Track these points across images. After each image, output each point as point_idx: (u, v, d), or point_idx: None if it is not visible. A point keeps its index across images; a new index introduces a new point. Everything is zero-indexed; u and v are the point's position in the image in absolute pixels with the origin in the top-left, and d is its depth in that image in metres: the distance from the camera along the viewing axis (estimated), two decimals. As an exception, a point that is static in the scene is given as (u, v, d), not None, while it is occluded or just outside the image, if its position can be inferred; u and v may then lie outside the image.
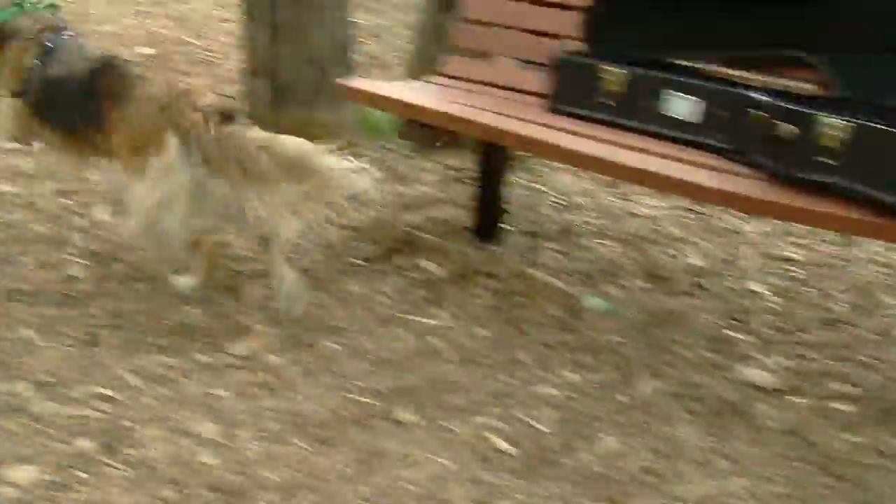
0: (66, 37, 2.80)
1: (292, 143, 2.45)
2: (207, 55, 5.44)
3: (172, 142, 2.45)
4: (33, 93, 2.76)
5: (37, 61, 2.74)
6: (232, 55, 5.35)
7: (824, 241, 3.58)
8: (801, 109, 2.28)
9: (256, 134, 2.49)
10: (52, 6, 2.91)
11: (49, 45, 2.75)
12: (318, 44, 3.53)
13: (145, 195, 2.51)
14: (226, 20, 6.46)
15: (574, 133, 2.66)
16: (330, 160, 2.43)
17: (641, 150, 2.52)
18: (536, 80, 3.01)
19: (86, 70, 2.68)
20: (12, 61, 2.80)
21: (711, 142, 2.56)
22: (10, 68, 2.81)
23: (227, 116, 2.49)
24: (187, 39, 5.75)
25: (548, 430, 2.27)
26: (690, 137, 2.60)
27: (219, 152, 2.43)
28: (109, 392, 2.26)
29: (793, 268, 3.37)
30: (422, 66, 3.92)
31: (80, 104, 2.65)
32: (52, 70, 2.72)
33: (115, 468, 1.99)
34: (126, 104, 2.55)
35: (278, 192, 2.43)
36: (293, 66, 3.54)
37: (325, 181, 2.44)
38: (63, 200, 3.35)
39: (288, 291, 2.63)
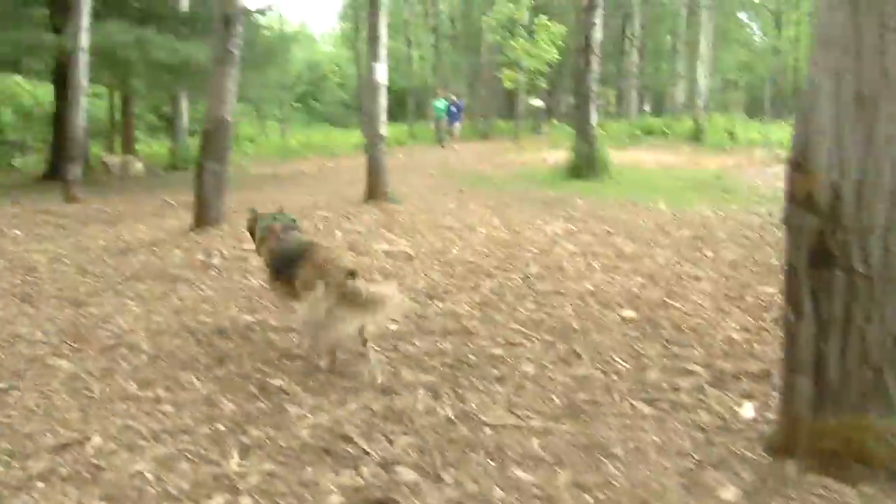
0: (289, 231, 4.97)
1: (376, 288, 4.24)
2: (687, 317, 5.19)
3: (320, 285, 4.20)
4: (273, 262, 4.79)
5: (273, 245, 4.86)
6: (718, 323, 5.07)
7: None
8: None
9: (362, 284, 4.18)
10: (285, 215, 5.17)
11: (280, 236, 4.91)
12: (873, 341, 3.06)
13: (306, 311, 4.35)
14: (696, 278, 6.26)
15: None
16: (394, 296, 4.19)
17: None
18: None
19: (289, 248, 4.73)
20: (263, 246, 5.00)
21: None
22: (264, 251, 4.98)
23: (351, 274, 4.16)
24: (666, 301, 5.58)
25: None
26: None
27: (342, 293, 4.13)
28: None
29: None
30: None
31: (289, 266, 4.54)
32: (279, 248, 4.80)
33: None
34: (303, 266, 4.42)
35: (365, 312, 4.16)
36: (842, 366, 3.09)
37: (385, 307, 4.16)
38: (585, 496, 3.09)
39: (373, 365, 4.33)
